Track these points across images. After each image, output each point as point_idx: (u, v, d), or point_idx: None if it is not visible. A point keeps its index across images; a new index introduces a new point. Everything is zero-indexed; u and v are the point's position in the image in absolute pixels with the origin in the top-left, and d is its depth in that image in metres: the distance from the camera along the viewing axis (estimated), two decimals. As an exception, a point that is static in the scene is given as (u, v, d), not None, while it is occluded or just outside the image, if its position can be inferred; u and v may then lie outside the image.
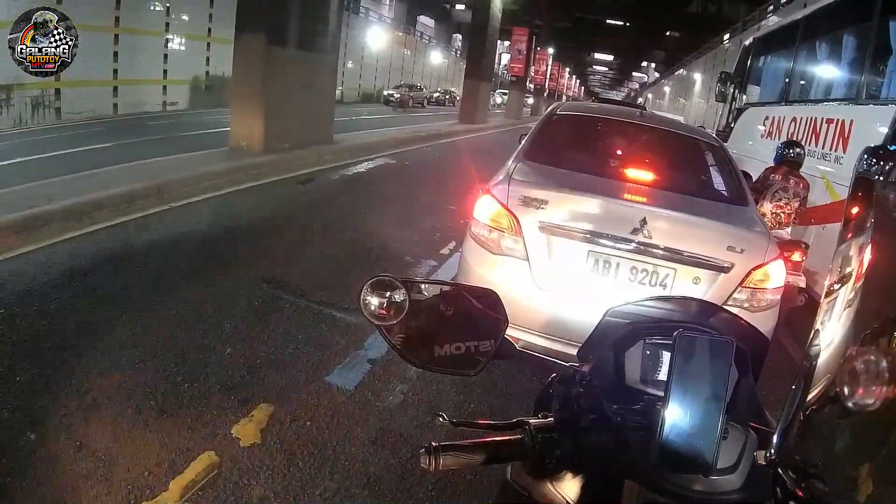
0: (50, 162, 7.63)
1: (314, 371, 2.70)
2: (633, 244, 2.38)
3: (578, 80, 74.39)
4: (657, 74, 49.85)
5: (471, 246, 2.63)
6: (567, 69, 55.04)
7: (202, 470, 1.95)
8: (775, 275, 2.43)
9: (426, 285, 0.78)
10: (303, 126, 8.43)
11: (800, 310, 3.66)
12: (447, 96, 33.50)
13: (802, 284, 3.68)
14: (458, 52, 43.27)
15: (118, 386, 2.39)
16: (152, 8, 15.04)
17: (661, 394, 0.63)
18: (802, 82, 6.07)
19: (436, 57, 39.48)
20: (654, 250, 2.38)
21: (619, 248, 2.41)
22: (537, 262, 2.47)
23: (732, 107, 8.08)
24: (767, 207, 4.08)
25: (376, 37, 28.61)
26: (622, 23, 34.93)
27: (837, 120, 4.55)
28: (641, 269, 2.42)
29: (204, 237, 4.61)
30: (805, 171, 4.29)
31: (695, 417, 0.60)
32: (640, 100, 42.03)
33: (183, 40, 16.15)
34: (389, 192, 7.04)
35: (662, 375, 0.75)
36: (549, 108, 3.78)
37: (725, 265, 2.38)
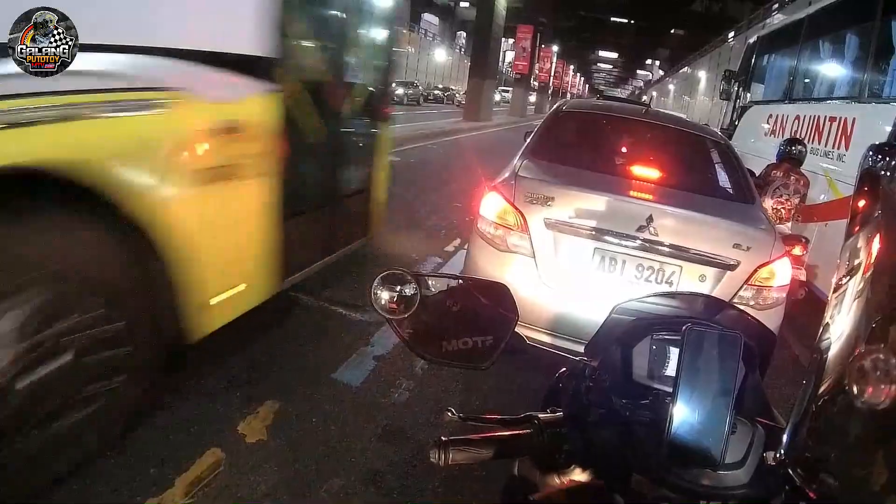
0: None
1: (320, 367, 2.70)
2: (640, 241, 2.38)
3: (583, 78, 74.23)
4: (661, 72, 49.68)
5: (477, 243, 2.63)
6: (571, 67, 54.93)
7: (207, 467, 1.96)
8: (781, 273, 2.42)
9: (437, 279, 0.78)
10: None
11: (800, 303, 3.68)
12: (446, 94, 33.36)
13: (803, 278, 3.73)
14: (463, 49, 43.20)
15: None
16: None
17: (669, 389, 0.63)
18: (806, 80, 6.06)
19: (440, 54, 39.42)
20: (660, 247, 2.38)
21: (625, 246, 2.41)
22: (543, 259, 2.47)
23: (737, 105, 8.07)
24: (768, 203, 4.11)
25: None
26: (626, 21, 34.87)
27: (840, 118, 4.55)
28: (647, 266, 2.42)
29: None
30: (807, 168, 4.30)
31: (703, 412, 0.60)
32: (645, 98, 41.86)
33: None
34: (391, 191, 7.02)
35: (670, 371, 0.75)
36: (554, 106, 3.78)
37: (731, 263, 2.38)
